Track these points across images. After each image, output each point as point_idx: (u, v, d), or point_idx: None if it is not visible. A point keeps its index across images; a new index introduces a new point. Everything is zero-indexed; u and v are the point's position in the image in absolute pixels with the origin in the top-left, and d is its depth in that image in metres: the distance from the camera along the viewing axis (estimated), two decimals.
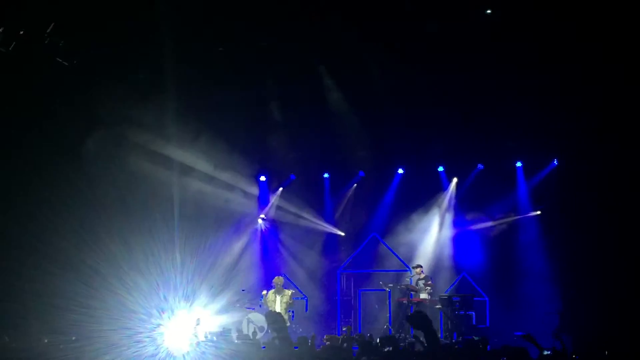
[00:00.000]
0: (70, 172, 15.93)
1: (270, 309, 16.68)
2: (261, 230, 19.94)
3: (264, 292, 17.13)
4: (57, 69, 15.01)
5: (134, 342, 12.44)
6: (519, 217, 18.41)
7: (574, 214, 17.05)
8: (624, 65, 14.65)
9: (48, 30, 14.28)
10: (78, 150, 16.14)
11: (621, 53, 14.56)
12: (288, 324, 16.29)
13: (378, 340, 10.29)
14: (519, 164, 18.47)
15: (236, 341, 11.59)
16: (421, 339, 12.42)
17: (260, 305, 17.86)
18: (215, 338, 11.69)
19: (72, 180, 15.93)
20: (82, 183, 16.04)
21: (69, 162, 16.01)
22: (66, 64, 15.26)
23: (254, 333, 16.11)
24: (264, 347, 9.46)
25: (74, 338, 12.32)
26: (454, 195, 18.92)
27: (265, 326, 17.14)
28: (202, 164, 17.60)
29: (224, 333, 11.87)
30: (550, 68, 15.22)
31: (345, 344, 10.94)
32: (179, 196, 17.38)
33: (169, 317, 17.05)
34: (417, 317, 5.94)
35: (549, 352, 8.13)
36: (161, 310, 17.19)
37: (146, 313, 16.30)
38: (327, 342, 11.62)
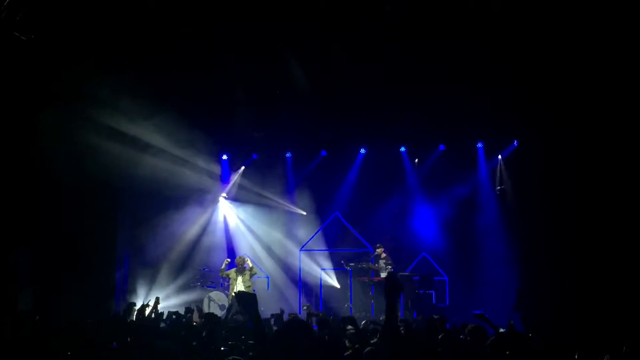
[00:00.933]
0: (23, 147, 15.57)
1: (231, 287, 16.69)
2: (223, 209, 19.85)
3: (227, 260, 17.21)
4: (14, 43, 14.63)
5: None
6: (479, 197, 18.57)
7: (533, 194, 17.28)
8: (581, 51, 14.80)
9: (5, 4, 13.93)
10: (32, 126, 15.73)
11: (581, 38, 14.69)
12: None
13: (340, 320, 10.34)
14: (479, 145, 18.64)
15: (197, 320, 11.60)
16: (381, 318, 12.53)
17: (221, 284, 17.87)
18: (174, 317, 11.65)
19: (26, 156, 15.61)
20: (36, 158, 15.71)
21: (22, 137, 15.62)
22: (24, 38, 14.90)
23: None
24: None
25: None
26: (415, 175, 19.02)
27: (227, 304, 17.17)
28: (161, 141, 17.37)
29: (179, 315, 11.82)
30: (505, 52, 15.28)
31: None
32: (136, 173, 17.18)
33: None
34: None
35: (504, 330, 8.25)
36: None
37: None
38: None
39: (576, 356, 7.03)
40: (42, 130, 15.30)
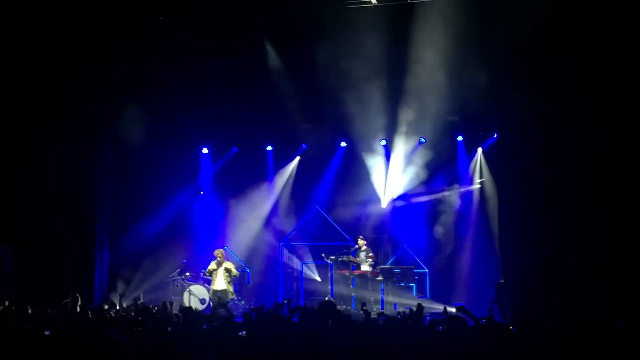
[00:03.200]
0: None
1: (212, 281, 16.59)
2: (203, 202, 19.79)
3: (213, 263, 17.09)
4: None
5: None
6: (459, 190, 18.65)
7: (513, 187, 17.35)
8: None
9: None
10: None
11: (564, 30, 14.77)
12: (232, 296, 16.28)
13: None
14: (460, 138, 18.70)
15: (176, 312, 11.52)
16: (360, 311, 12.54)
17: (201, 278, 17.80)
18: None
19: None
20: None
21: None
22: None
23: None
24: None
25: None
26: (396, 168, 19.04)
27: (207, 298, 17.11)
28: (142, 134, 17.24)
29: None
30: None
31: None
32: (114, 167, 17.08)
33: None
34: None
35: (483, 322, 8.28)
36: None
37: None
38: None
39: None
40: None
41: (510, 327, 8.58)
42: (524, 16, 14.21)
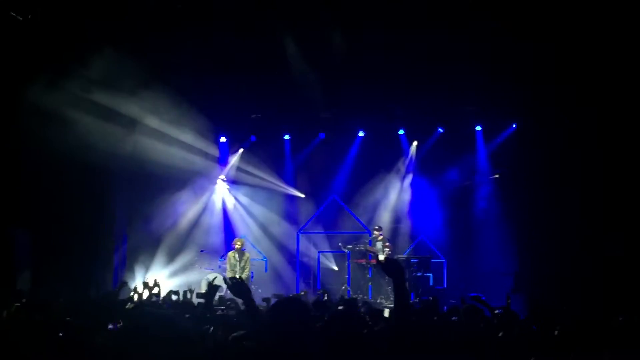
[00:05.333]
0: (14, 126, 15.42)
1: (230, 269, 16.66)
2: (221, 191, 19.84)
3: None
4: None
5: None
6: (477, 180, 18.56)
7: (531, 177, 17.25)
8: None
9: None
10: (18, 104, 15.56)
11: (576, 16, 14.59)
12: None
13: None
14: (478, 128, 18.61)
15: (196, 299, 11.58)
16: (378, 300, 12.53)
17: (219, 266, 17.90)
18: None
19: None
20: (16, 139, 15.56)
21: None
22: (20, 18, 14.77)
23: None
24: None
25: None
26: (414, 158, 19.00)
27: (224, 286, 17.17)
28: (158, 122, 17.28)
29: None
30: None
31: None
32: (131, 155, 17.12)
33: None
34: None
35: (499, 311, 8.26)
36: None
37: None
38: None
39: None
40: (30, 109, 15.08)
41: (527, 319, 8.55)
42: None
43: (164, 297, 11.87)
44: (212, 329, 7.02)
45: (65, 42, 14.87)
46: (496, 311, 8.31)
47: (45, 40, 14.73)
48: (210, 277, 17.37)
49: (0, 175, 15.36)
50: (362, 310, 9.80)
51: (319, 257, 19.13)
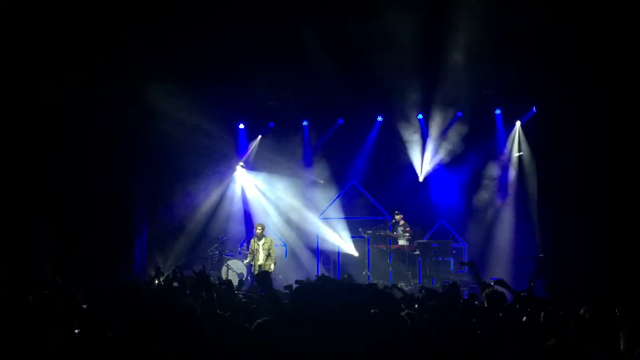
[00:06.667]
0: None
1: (251, 255, 16.65)
2: (240, 178, 19.88)
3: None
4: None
5: None
6: (497, 164, 18.44)
7: (552, 161, 17.07)
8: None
9: None
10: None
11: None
12: (272, 268, 16.30)
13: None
14: (498, 111, 18.48)
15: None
16: (399, 285, 12.51)
17: (239, 253, 17.97)
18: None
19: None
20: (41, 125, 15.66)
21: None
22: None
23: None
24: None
25: None
26: (433, 142, 18.89)
27: (245, 272, 17.29)
28: (177, 110, 17.29)
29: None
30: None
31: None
32: (151, 143, 17.17)
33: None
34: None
35: (524, 294, 8.23)
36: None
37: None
38: None
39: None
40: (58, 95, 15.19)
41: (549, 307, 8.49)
42: None
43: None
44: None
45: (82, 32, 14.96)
46: (521, 294, 8.27)
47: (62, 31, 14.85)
48: (231, 263, 17.49)
49: (21, 166, 15.49)
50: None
51: (339, 242, 19.10)
